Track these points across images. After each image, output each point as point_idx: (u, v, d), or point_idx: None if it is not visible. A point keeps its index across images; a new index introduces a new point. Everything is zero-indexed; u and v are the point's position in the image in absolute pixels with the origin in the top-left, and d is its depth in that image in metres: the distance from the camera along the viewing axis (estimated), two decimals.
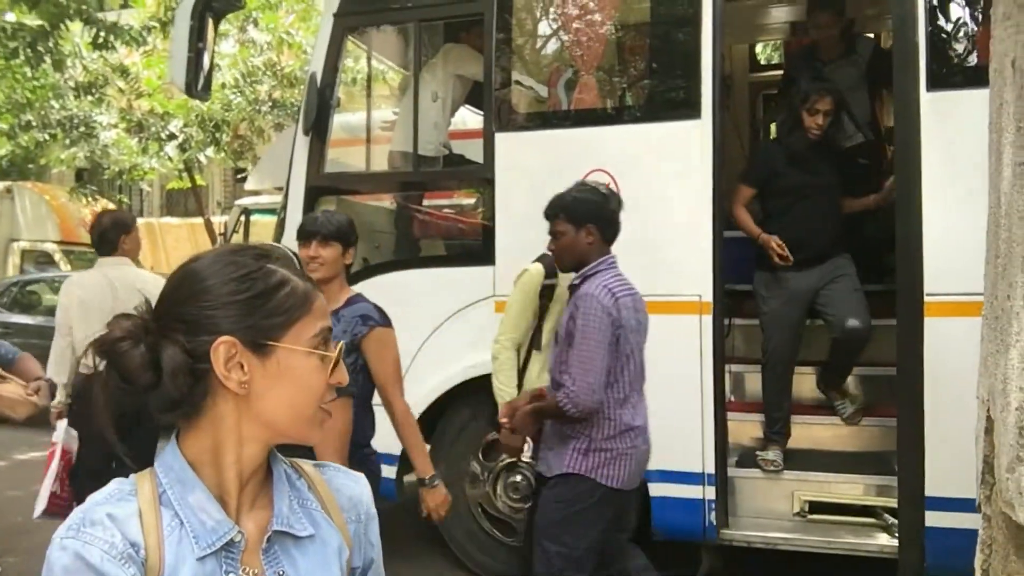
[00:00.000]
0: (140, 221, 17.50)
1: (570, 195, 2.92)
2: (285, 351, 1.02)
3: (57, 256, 12.04)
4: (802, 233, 3.87)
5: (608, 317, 2.69)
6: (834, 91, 4.00)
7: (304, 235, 2.80)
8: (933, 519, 3.26)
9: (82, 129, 12.45)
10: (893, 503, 3.49)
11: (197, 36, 4.05)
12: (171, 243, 17.18)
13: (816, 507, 3.75)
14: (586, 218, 2.84)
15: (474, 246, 4.26)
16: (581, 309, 2.72)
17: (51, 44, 8.55)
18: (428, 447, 4.22)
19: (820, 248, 3.91)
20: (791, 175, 3.96)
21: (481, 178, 4.12)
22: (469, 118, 5.54)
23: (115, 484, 1.03)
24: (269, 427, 1.05)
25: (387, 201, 4.88)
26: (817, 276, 3.91)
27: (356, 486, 1.17)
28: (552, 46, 4.33)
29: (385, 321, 2.75)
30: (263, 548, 1.04)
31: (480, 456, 4.08)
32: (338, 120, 4.58)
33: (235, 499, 1.04)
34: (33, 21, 8.26)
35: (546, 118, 4.16)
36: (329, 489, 1.13)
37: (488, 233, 3.97)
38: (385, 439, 2.91)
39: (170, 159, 13.14)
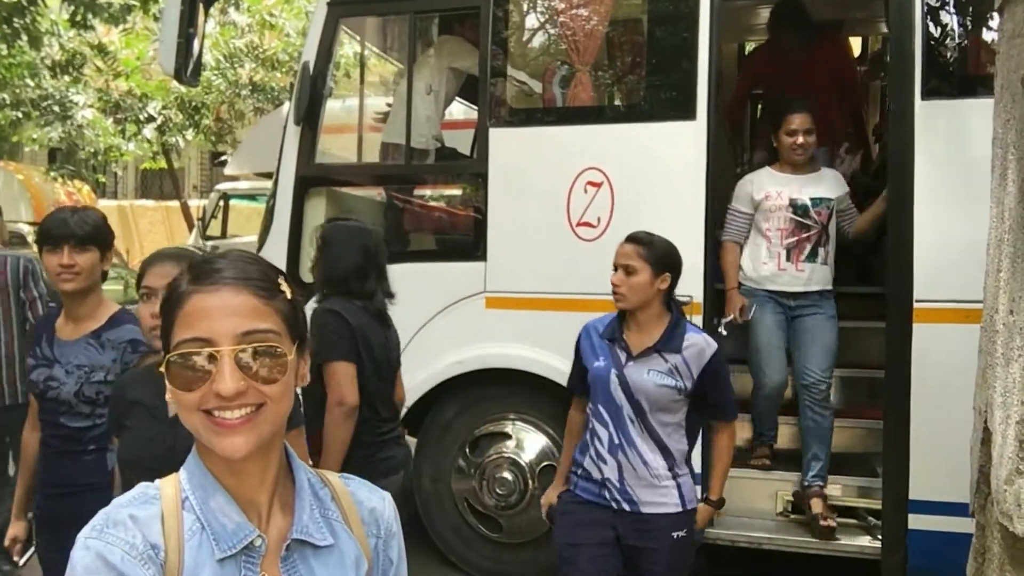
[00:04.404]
0: (112, 203, 17.15)
1: None
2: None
3: (31, 237, 11.83)
4: None
5: None
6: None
7: (52, 240, 2.33)
8: (916, 522, 3.31)
9: (57, 109, 12.23)
10: (876, 505, 3.54)
11: (188, 21, 3.98)
12: (145, 227, 16.87)
13: (799, 507, 3.79)
14: None
15: (466, 241, 4.24)
16: None
17: (28, 20, 8.39)
18: (415, 441, 4.24)
19: None
20: None
21: (474, 173, 4.10)
22: (463, 112, 5.50)
23: (140, 488, 1.05)
24: None
25: (378, 193, 4.85)
26: None
27: (379, 501, 1.18)
28: (548, 42, 4.31)
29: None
30: (281, 556, 1.05)
31: (466, 451, 4.08)
32: (329, 109, 4.53)
33: (264, 506, 1.06)
34: None
35: (540, 114, 4.14)
36: (352, 501, 1.14)
37: (480, 228, 3.96)
38: None
39: (148, 141, 12.96)
